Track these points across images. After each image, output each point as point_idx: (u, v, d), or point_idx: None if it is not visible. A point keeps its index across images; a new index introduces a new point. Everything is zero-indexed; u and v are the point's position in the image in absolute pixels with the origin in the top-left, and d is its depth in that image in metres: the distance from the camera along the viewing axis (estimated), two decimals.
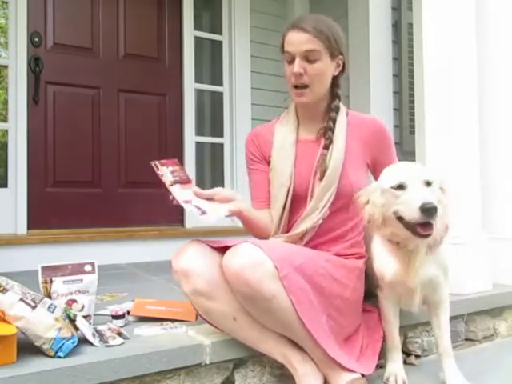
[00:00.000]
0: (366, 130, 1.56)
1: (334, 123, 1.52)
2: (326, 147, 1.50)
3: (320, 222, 1.47)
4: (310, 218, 1.48)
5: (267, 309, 1.26)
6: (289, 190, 1.52)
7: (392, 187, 1.28)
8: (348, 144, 1.51)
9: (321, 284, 1.34)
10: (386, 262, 1.41)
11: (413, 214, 1.21)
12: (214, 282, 1.31)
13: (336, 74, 1.54)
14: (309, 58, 1.46)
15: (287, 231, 1.53)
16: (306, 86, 1.49)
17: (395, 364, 1.49)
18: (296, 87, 1.50)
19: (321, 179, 1.48)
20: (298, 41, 1.46)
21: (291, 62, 1.48)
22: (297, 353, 1.34)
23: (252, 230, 1.56)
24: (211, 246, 1.38)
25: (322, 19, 1.51)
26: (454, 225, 1.97)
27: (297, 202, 1.52)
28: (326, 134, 1.52)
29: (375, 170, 1.58)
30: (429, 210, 1.18)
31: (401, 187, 1.26)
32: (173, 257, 1.36)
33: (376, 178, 1.65)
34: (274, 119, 1.67)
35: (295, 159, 1.54)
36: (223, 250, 1.33)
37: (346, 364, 1.32)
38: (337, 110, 1.54)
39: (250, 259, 1.23)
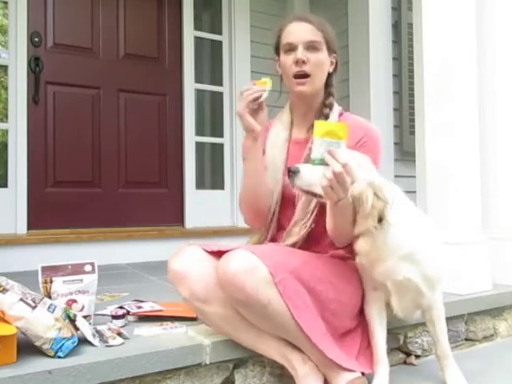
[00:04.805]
0: (351, 134, 1.45)
1: (326, 118, 1.51)
2: None
3: (313, 226, 1.46)
4: (303, 222, 1.46)
5: (263, 314, 1.26)
6: (283, 186, 1.51)
7: None
8: None
9: (317, 288, 1.33)
10: None
11: None
12: (210, 286, 1.31)
13: (331, 71, 1.55)
14: (311, 47, 1.47)
15: (275, 234, 1.53)
16: (307, 76, 1.48)
17: (381, 381, 1.39)
18: (297, 77, 1.49)
19: None
20: (300, 30, 1.47)
21: (292, 51, 1.48)
22: (296, 353, 1.33)
23: (255, 190, 1.50)
24: (206, 251, 1.37)
25: (318, 17, 1.54)
26: (454, 224, 2.00)
27: (285, 204, 1.52)
28: None
29: None
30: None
31: None
32: (169, 260, 1.36)
33: None
34: (275, 117, 1.67)
35: (286, 157, 1.55)
36: (218, 254, 1.33)
37: (345, 364, 1.32)
38: (330, 106, 1.55)
39: (245, 266, 1.23)
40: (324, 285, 1.35)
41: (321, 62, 1.49)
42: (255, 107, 1.42)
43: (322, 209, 1.45)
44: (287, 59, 1.49)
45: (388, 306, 1.43)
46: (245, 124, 1.43)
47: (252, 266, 1.23)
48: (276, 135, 1.58)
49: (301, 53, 1.46)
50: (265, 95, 1.42)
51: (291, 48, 1.48)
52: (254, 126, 1.42)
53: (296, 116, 1.60)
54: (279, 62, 1.55)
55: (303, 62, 1.46)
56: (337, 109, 1.57)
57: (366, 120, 1.58)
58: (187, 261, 1.34)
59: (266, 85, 1.42)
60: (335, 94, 1.58)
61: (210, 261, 1.34)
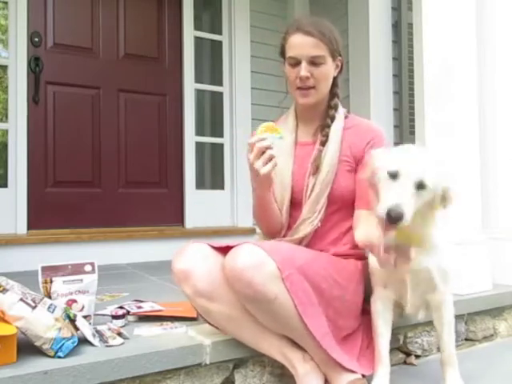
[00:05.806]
0: (359, 136, 1.52)
1: (332, 120, 1.52)
2: (323, 144, 1.51)
3: (319, 225, 1.47)
4: (310, 221, 1.47)
5: (269, 309, 1.26)
6: (292, 191, 1.52)
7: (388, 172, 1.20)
8: (341, 147, 1.50)
9: (321, 286, 1.33)
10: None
11: (378, 211, 1.16)
12: (216, 283, 1.31)
13: (336, 74, 1.55)
14: (314, 62, 1.46)
15: (285, 234, 1.53)
16: (311, 87, 1.49)
17: (381, 381, 1.37)
18: (301, 88, 1.49)
19: (314, 174, 1.48)
20: (303, 45, 1.45)
21: (296, 65, 1.47)
22: (297, 352, 1.34)
23: (265, 214, 1.52)
24: (212, 247, 1.38)
25: (323, 21, 1.51)
26: (454, 225, 1.99)
27: (292, 203, 1.53)
28: (324, 130, 1.52)
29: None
30: (392, 216, 1.12)
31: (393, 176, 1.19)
32: (173, 258, 1.36)
33: None
34: (279, 119, 1.67)
35: (294, 162, 1.55)
36: (224, 250, 1.33)
37: (347, 365, 1.32)
38: (336, 107, 1.55)
39: (253, 260, 1.23)
40: (328, 283, 1.36)
41: (325, 75, 1.48)
42: (266, 157, 1.33)
43: (328, 208, 1.47)
44: (291, 72, 1.49)
45: (394, 306, 1.43)
46: (262, 179, 1.36)
47: (260, 261, 1.23)
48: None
49: (304, 69, 1.45)
50: (276, 141, 1.33)
51: (295, 62, 1.47)
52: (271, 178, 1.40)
53: (301, 120, 1.60)
54: (284, 66, 1.54)
55: (307, 77, 1.46)
56: (342, 110, 1.58)
57: (369, 121, 1.61)
58: (191, 259, 1.33)
59: (276, 131, 1.34)
60: (340, 95, 1.58)
61: (215, 257, 1.35)
